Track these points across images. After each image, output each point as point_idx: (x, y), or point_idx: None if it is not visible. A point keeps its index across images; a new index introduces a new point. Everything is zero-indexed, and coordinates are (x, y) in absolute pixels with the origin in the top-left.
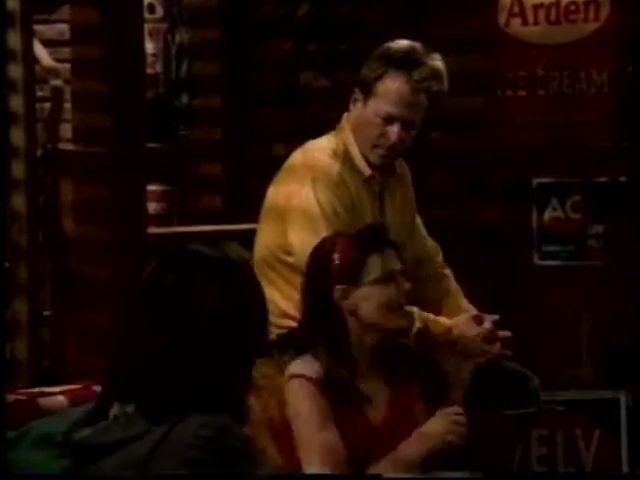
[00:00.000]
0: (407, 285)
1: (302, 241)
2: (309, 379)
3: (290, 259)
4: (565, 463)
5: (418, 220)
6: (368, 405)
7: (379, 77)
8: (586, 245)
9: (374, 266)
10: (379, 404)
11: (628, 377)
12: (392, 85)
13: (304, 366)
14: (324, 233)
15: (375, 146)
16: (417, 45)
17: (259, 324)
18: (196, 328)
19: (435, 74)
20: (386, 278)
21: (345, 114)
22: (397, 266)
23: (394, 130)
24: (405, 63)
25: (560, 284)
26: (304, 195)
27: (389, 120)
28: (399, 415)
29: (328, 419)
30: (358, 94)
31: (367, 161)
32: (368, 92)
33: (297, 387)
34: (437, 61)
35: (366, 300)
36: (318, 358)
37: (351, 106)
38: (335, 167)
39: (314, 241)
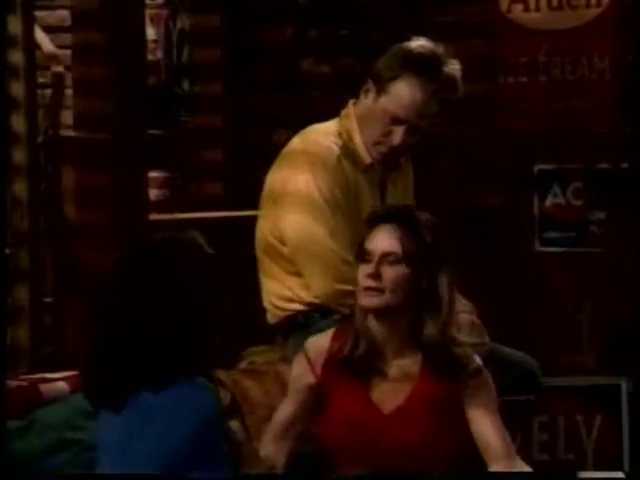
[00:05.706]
0: (388, 273)
1: (297, 224)
2: (306, 354)
3: (280, 245)
4: (566, 449)
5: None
6: (383, 390)
7: (395, 77)
8: (587, 231)
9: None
10: (400, 389)
11: (629, 363)
12: (407, 90)
13: (310, 341)
14: (322, 217)
15: (378, 143)
16: (438, 50)
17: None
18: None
19: (452, 85)
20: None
21: (351, 100)
22: (382, 244)
23: (399, 132)
24: (424, 70)
25: (561, 270)
26: (301, 180)
27: (397, 121)
28: (416, 406)
29: (298, 393)
30: (371, 86)
31: (369, 151)
32: (381, 88)
33: (296, 360)
34: (455, 70)
35: None
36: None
37: (361, 95)
38: (333, 152)
39: (311, 224)
